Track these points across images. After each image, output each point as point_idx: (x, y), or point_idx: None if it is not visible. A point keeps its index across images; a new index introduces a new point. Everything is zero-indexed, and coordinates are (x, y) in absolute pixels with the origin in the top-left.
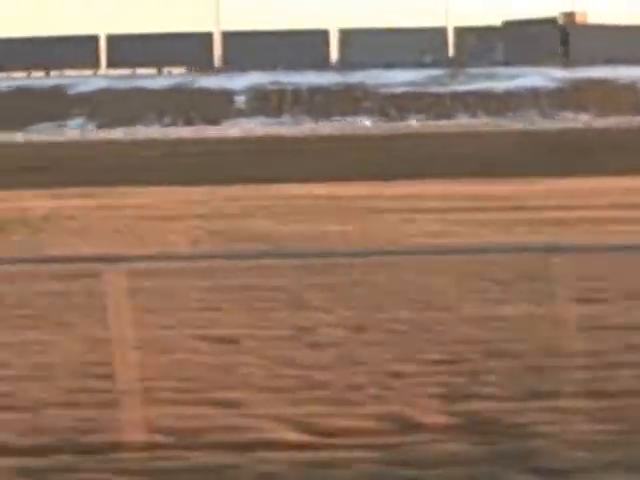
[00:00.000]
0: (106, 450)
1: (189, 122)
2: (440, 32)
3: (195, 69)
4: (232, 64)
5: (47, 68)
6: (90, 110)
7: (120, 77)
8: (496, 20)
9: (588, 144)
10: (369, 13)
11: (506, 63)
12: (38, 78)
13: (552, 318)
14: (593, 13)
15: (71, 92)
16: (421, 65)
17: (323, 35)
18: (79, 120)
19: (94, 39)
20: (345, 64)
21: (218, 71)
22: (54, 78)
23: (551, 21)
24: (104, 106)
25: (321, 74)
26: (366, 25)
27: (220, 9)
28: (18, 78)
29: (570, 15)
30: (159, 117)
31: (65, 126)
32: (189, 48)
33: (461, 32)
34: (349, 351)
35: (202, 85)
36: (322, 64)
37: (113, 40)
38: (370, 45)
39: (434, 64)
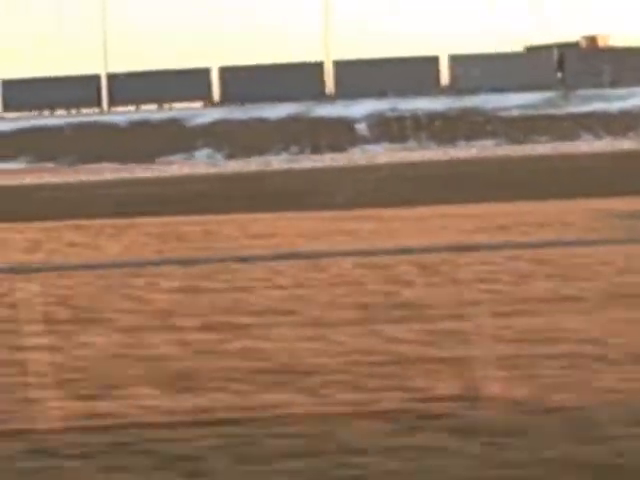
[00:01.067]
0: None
1: (316, 150)
2: (547, 54)
3: (308, 98)
4: (343, 92)
5: (158, 101)
6: (214, 141)
7: (234, 108)
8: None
9: None
10: (471, 39)
11: (612, 84)
12: (151, 111)
13: None
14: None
15: (190, 124)
16: (529, 88)
17: (434, 61)
18: (206, 151)
19: (205, 72)
20: (455, 89)
21: (332, 99)
22: (168, 111)
23: None
24: (226, 137)
25: (435, 99)
26: (467, 51)
27: (329, 39)
28: (130, 112)
29: None
30: (285, 146)
31: (193, 158)
32: (300, 78)
33: (566, 53)
34: None
35: (319, 114)
36: (431, 90)
37: (225, 72)
38: (479, 70)
39: (543, 87)
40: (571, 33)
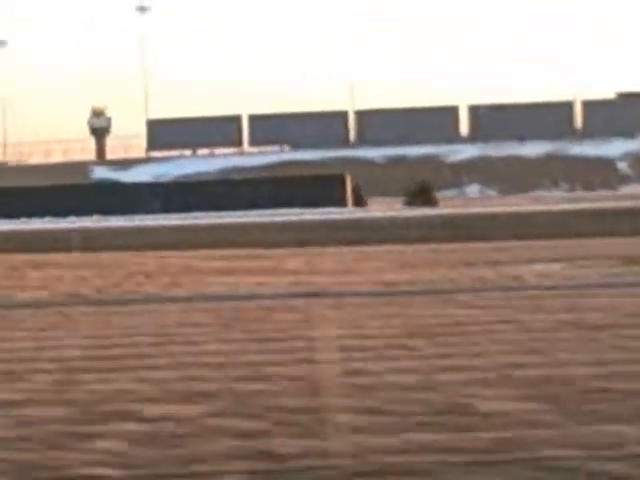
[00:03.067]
0: None
1: (589, 187)
2: None
3: (558, 136)
4: (591, 130)
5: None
6: (478, 177)
7: (487, 145)
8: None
9: None
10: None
11: None
12: (409, 147)
13: None
14: None
15: (448, 160)
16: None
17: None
18: (476, 187)
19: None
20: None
21: (581, 137)
22: (421, 146)
23: None
24: (485, 172)
25: None
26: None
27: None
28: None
29: None
30: (553, 183)
31: (464, 193)
32: (551, 116)
33: None
34: None
35: (573, 152)
36: None
37: (474, 110)
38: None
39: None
40: None
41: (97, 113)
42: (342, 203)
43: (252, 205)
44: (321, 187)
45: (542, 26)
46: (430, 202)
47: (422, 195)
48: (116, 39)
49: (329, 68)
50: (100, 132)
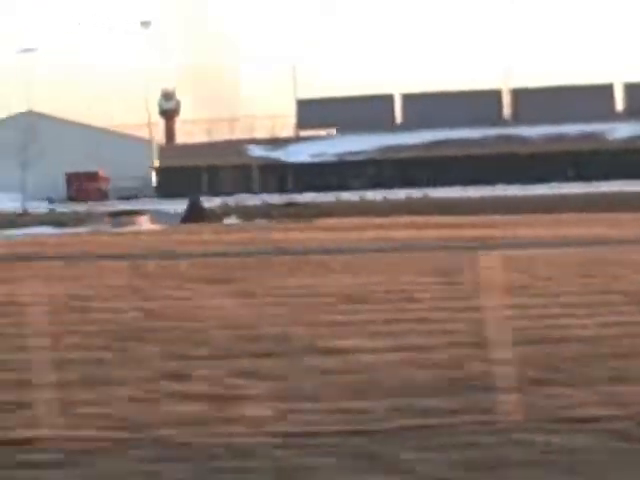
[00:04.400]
0: None
1: None
2: None
3: None
4: None
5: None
6: None
7: None
8: None
9: None
10: None
11: None
12: None
13: None
14: None
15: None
16: None
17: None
18: None
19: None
20: None
21: None
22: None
23: None
24: None
25: None
26: None
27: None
28: None
29: None
30: None
31: None
32: None
33: None
34: None
35: None
36: None
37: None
38: None
39: None
40: None
41: (167, 96)
42: None
43: None
44: None
45: None
46: None
47: None
48: None
49: (481, 48)
50: (169, 114)
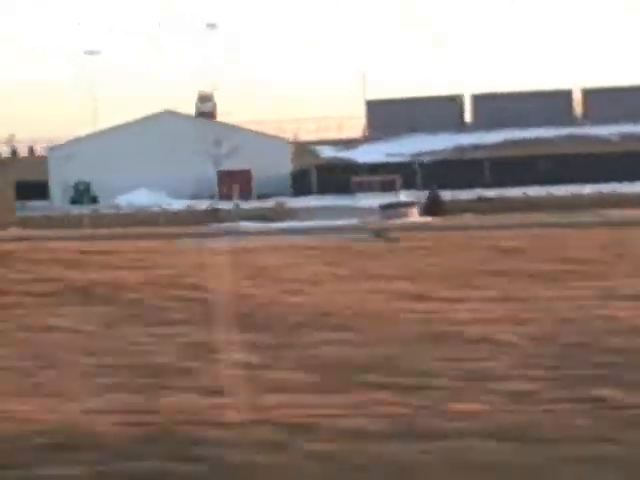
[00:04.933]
0: None
1: None
2: None
3: None
4: None
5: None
6: None
7: None
8: None
9: None
10: None
11: None
12: None
13: None
14: None
15: None
16: None
17: None
18: None
19: None
20: None
21: None
22: None
23: None
24: None
25: None
26: None
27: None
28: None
29: None
30: None
31: None
32: None
33: None
34: None
35: None
36: None
37: None
38: None
39: None
40: None
41: (203, 98)
42: None
43: None
44: None
45: None
46: None
47: None
48: None
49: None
50: (206, 116)
